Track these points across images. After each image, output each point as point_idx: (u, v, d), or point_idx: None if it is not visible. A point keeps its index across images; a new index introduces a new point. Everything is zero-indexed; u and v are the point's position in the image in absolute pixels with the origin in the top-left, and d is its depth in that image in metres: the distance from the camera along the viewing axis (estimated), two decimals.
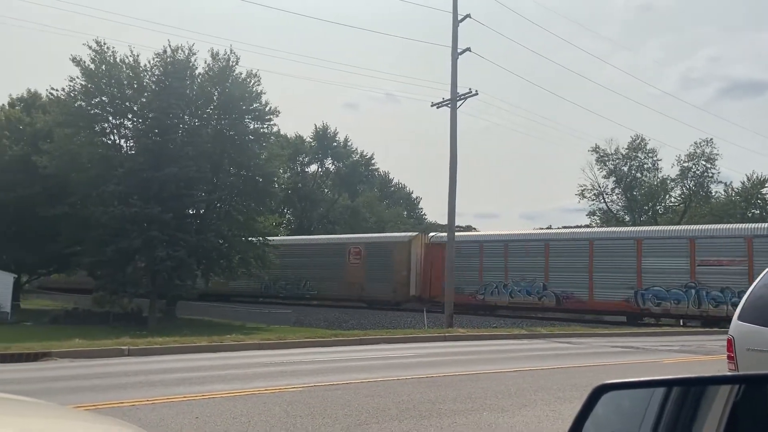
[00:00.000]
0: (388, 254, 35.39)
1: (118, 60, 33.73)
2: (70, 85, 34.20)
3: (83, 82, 33.68)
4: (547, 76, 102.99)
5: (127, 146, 35.35)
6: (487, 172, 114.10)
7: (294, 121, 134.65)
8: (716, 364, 11.76)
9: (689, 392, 1.77)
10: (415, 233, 39.04)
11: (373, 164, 76.96)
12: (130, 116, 34.67)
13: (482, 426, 6.42)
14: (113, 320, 32.59)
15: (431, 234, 37.20)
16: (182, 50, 34.13)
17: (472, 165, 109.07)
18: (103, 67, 33.31)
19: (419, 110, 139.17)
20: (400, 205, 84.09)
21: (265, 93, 36.16)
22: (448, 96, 26.16)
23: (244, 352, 13.96)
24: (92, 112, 34.15)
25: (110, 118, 34.74)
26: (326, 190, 73.41)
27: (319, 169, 73.54)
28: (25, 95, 43.69)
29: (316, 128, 72.01)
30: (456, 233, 28.97)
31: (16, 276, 37.52)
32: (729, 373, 6.12)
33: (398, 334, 19.01)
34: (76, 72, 33.87)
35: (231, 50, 35.41)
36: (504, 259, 32.01)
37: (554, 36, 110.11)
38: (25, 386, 8.71)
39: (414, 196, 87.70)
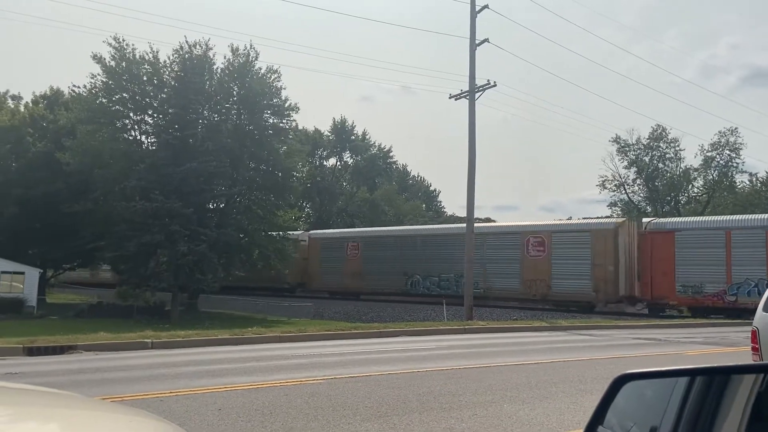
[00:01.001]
0: (584, 245, 29.30)
1: (137, 57, 34.06)
2: (91, 82, 34.67)
3: (104, 79, 34.09)
4: (566, 67, 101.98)
5: (148, 142, 35.78)
6: (506, 164, 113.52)
7: (311, 114, 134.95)
8: (740, 356, 11.62)
9: (713, 382, 1.75)
10: (621, 219, 35.62)
11: (391, 157, 76.96)
12: (150, 112, 35.03)
13: (503, 418, 6.41)
14: (136, 314, 33.04)
15: (647, 220, 31.94)
16: (200, 45, 34.37)
17: (491, 157, 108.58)
18: (123, 64, 33.68)
19: (436, 103, 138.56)
20: (419, 198, 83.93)
21: (285, 88, 36.30)
22: (465, 88, 26.04)
23: (266, 345, 14.08)
24: (113, 108, 34.57)
25: (131, 115, 35.15)
26: (345, 184, 73.53)
27: (338, 163, 73.70)
28: (48, 92, 44.30)
29: (334, 121, 72.20)
30: (673, 219, 26.84)
31: (41, 271, 38.17)
32: (753, 362, 6.05)
33: (418, 326, 19.03)
34: (97, 69, 34.31)
35: (251, 45, 35.63)
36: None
37: (573, 25, 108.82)
38: (52, 378, 8.88)
39: (432, 188, 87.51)
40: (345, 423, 6.12)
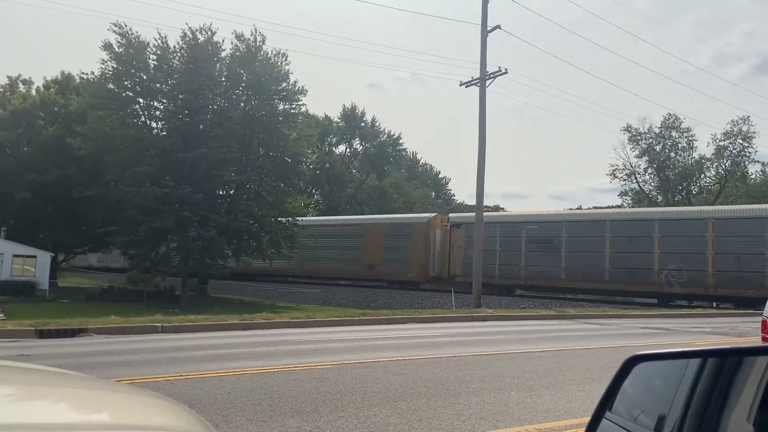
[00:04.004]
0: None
1: (144, 42, 34.11)
2: (101, 68, 34.76)
3: (114, 65, 34.18)
4: (577, 54, 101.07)
5: (158, 127, 35.89)
6: (516, 152, 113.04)
7: (321, 101, 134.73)
8: None
9: (723, 366, 1.73)
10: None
11: (401, 144, 76.82)
12: (160, 98, 35.11)
13: (510, 405, 6.43)
14: (147, 298, 33.33)
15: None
16: (204, 31, 34.32)
17: (501, 145, 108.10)
18: (131, 50, 33.73)
19: (446, 90, 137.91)
20: (428, 185, 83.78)
21: (292, 72, 36.24)
22: (476, 75, 25.87)
23: (275, 330, 14.15)
24: (123, 94, 34.67)
25: (140, 100, 35.24)
26: (354, 171, 73.48)
27: (347, 150, 73.62)
28: (59, 77, 44.46)
29: (344, 108, 72.07)
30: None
31: (53, 255, 38.51)
32: (766, 344, 6.01)
33: (426, 313, 19.07)
34: (106, 55, 34.38)
35: (256, 30, 35.53)
36: None
37: (585, 11, 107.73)
38: (63, 361, 8.98)
39: (441, 176, 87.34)
40: (353, 407, 6.15)
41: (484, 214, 35.12)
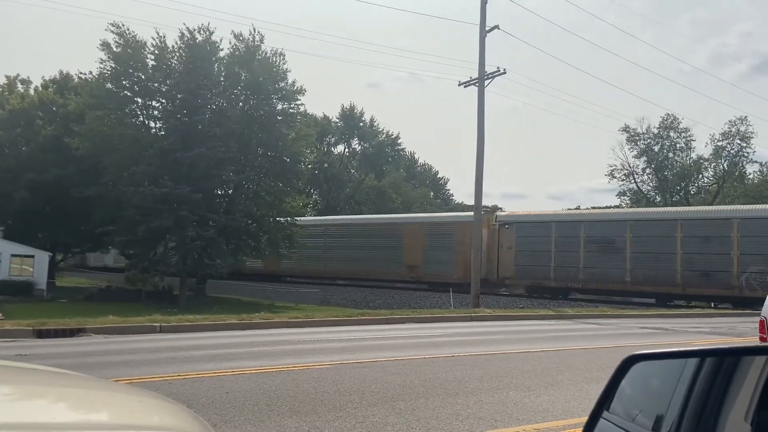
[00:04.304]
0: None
1: (141, 42, 34.12)
2: (99, 68, 34.77)
3: (112, 65, 34.17)
4: (576, 54, 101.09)
5: (156, 127, 35.88)
6: (514, 152, 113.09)
7: (320, 101, 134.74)
8: None
9: (721, 366, 1.73)
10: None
11: (399, 144, 76.81)
12: (158, 97, 35.10)
13: (508, 404, 6.44)
14: (145, 298, 33.29)
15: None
16: (203, 31, 34.34)
17: (499, 145, 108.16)
18: (129, 50, 33.73)
19: (445, 90, 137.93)
20: (427, 185, 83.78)
21: (290, 71, 36.24)
22: (474, 75, 25.88)
23: (273, 330, 14.14)
24: (121, 94, 34.65)
25: (138, 100, 35.24)
26: (352, 171, 73.47)
27: (346, 150, 73.62)
28: (57, 77, 44.40)
29: (342, 108, 72.04)
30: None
31: (51, 254, 38.45)
32: (764, 344, 6.02)
33: (425, 313, 19.08)
34: (104, 55, 34.38)
35: (254, 29, 35.54)
36: None
37: (583, 11, 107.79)
38: (61, 361, 8.96)
39: (440, 176, 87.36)
40: (351, 407, 6.15)
41: (536, 212, 33.73)
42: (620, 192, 57.18)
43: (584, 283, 30.04)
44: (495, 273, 32.65)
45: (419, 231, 35.29)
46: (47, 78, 44.28)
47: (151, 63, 34.24)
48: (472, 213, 34.45)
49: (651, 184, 55.98)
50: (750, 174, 53.33)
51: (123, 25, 34.02)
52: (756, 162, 52.13)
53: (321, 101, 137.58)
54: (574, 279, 30.19)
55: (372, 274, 36.66)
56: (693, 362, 1.80)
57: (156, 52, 34.17)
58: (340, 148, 73.45)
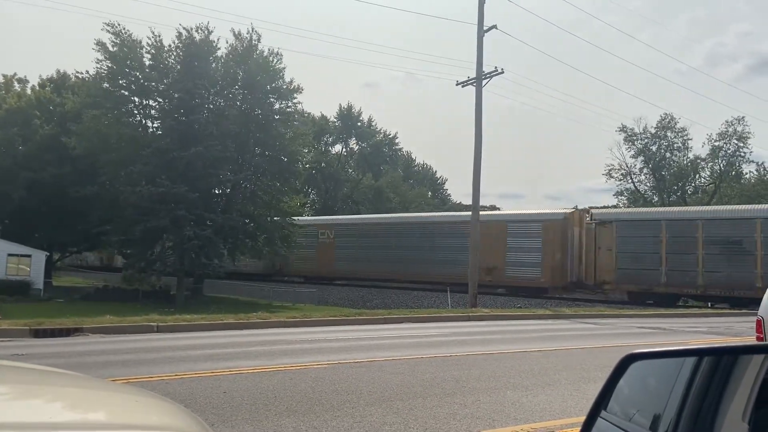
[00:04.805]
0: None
1: (136, 41, 34.06)
2: (96, 67, 34.71)
3: (108, 65, 34.13)
4: (573, 54, 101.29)
5: (153, 127, 35.84)
6: (512, 152, 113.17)
7: (317, 101, 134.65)
8: None
9: (719, 365, 1.73)
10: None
11: (397, 144, 76.83)
12: (155, 96, 35.06)
13: (506, 404, 6.44)
14: (142, 298, 33.23)
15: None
16: (201, 30, 34.31)
17: (497, 144, 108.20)
18: (125, 49, 33.67)
19: (442, 90, 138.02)
20: (424, 185, 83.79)
21: (285, 67, 36.26)
22: (472, 75, 25.89)
23: (270, 330, 14.13)
24: (118, 93, 34.60)
25: (135, 99, 35.19)
26: (350, 171, 73.46)
27: (343, 149, 73.62)
28: (54, 76, 44.31)
29: (340, 108, 72.06)
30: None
31: (48, 254, 38.38)
32: (761, 342, 6.03)
33: (422, 313, 19.09)
34: (101, 55, 34.31)
35: (252, 29, 35.56)
36: None
37: (580, 11, 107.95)
38: (58, 360, 8.95)
39: (438, 176, 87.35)
40: (349, 407, 6.15)
41: (641, 210, 32.30)
42: (617, 192, 57.36)
43: (704, 288, 27.16)
44: (591, 276, 30.10)
45: (499, 229, 31.42)
46: (44, 77, 44.22)
47: (148, 62, 34.19)
48: (562, 210, 33.03)
49: (648, 183, 56.14)
50: (747, 174, 53.52)
51: (119, 25, 34.02)
52: (753, 162, 52.33)
53: (319, 101, 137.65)
54: (692, 284, 27.31)
55: (440, 277, 32.61)
56: (690, 361, 1.80)
57: (152, 51, 34.12)
58: (337, 147, 73.53)
